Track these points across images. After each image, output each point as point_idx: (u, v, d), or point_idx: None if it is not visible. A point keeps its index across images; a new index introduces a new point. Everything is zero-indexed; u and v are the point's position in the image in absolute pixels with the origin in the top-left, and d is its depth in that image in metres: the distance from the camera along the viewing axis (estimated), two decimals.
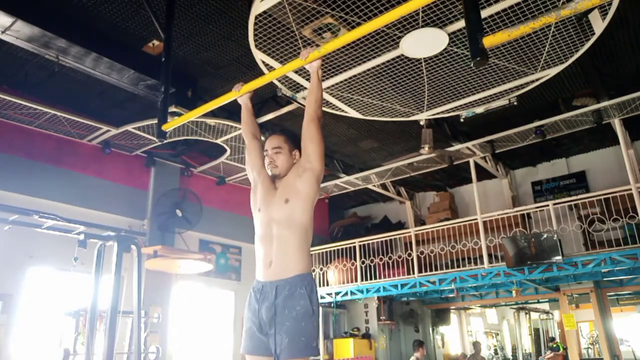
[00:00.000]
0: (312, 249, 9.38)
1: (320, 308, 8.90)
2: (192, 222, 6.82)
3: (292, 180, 2.37)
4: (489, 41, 2.21)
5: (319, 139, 2.37)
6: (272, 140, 2.48)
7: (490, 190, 9.24)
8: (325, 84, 4.83)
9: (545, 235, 6.75)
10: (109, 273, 4.70)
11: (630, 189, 6.29)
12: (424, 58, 4.44)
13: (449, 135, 7.12)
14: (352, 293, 8.74)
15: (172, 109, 5.31)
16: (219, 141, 6.53)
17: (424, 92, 4.98)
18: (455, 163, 7.89)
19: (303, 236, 2.28)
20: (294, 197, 2.31)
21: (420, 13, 3.79)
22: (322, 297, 9.09)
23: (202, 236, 7.78)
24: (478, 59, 2.24)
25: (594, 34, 4.14)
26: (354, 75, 4.74)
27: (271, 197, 2.37)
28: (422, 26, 3.95)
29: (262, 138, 2.72)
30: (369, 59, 4.48)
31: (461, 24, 3.89)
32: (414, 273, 8.12)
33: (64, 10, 4.46)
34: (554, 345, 10.27)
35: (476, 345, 9.95)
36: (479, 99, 5.18)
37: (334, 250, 9.20)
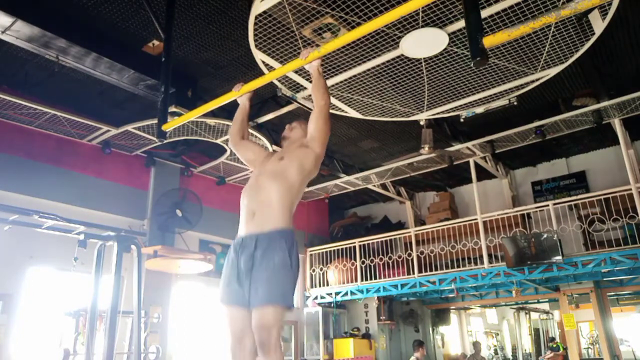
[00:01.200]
0: (312, 249, 9.47)
1: (319, 308, 8.91)
2: (192, 222, 6.81)
3: (293, 147, 2.55)
4: (489, 41, 2.21)
5: (324, 128, 2.51)
6: (291, 123, 2.77)
7: (490, 190, 9.24)
8: None
9: (545, 235, 6.75)
10: (109, 273, 4.70)
11: (630, 189, 6.29)
12: (424, 58, 4.44)
13: (449, 135, 7.12)
14: (352, 293, 8.74)
15: (172, 109, 5.31)
16: (219, 141, 6.53)
17: (424, 92, 4.98)
18: (455, 163, 7.88)
19: (287, 192, 2.35)
20: (291, 157, 2.45)
21: (420, 13, 3.79)
22: (322, 297, 9.10)
23: (202, 236, 7.78)
24: (478, 59, 2.24)
25: (594, 34, 4.14)
26: (354, 75, 4.74)
27: (269, 159, 2.54)
28: (422, 26, 3.95)
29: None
30: (369, 59, 4.48)
31: (461, 24, 3.89)
32: (414, 273, 8.12)
33: (64, 10, 4.46)
34: (554, 345, 10.27)
35: (476, 345, 9.95)
36: (479, 99, 5.18)
37: (334, 250, 9.21)
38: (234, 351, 2.20)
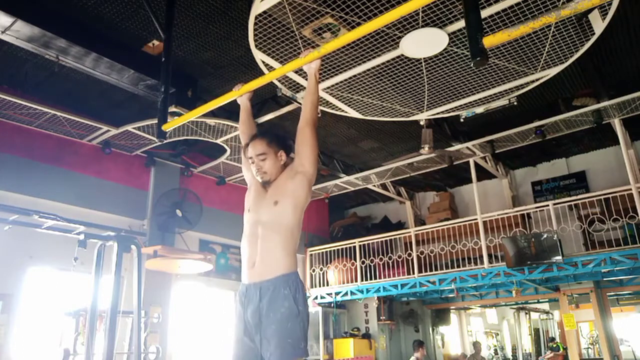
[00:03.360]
0: (312, 249, 9.46)
1: (319, 308, 8.91)
2: (192, 222, 6.81)
3: (283, 182, 2.36)
4: (489, 41, 2.21)
5: (313, 143, 2.35)
6: (255, 146, 2.41)
7: (490, 190, 9.24)
8: (325, 84, 4.84)
9: (545, 235, 6.75)
10: (109, 273, 4.70)
11: (630, 189, 6.29)
12: (424, 58, 4.44)
13: (449, 135, 7.11)
14: (352, 293, 8.74)
15: (172, 109, 5.31)
16: (219, 141, 6.53)
17: (424, 92, 4.98)
18: (455, 163, 7.88)
19: (289, 238, 2.26)
20: (284, 199, 2.30)
21: (420, 13, 3.79)
22: (322, 297, 9.10)
23: (202, 236, 7.78)
24: (478, 59, 2.24)
25: (594, 34, 4.14)
26: (354, 75, 4.74)
27: (261, 199, 2.38)
28: (422, 26, 3.95)
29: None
30: (369, 59, 4.48)
31: (461, 24, 3.89)
32: (414, 273, 8.12)
33: (64, 10, 4.46)
34: (554, 345, 10.28)
35: (476, 345, 9.95)
36: (479, 99, 5.18)
37: (334, 250, 9.21)
38: None
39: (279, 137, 2.46)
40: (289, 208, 2.28)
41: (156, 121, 5.11)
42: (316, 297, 9.16)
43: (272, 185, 2.40)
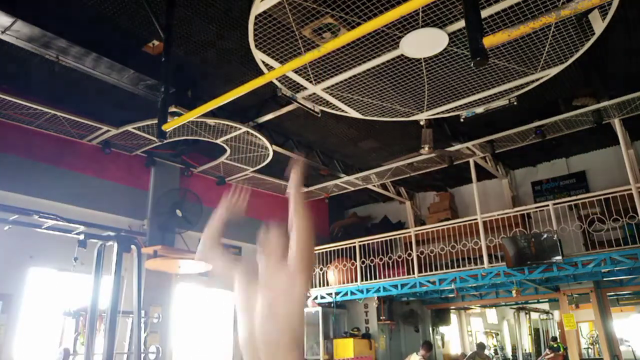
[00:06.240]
0: None
1: (319, 308, 8.91)
2: (192, 222, 6.81)
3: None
4: (489, 41, 2.21)
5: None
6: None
7: (490, 190, 9.24)
8: (326, 84, 4.84)
9: (545, 235, 6.75)
10: (109, 273, 4.70)
11: (630, 189, 6.29)
12: (424, 58, 4.44)
13: (449, 135, 7.11)
14: (352, 293, 8.74)
15: (172, 109, 5.31)
16: (219, 141, 6.52)
17: (424, 92, 4.98)
18: (455, 163, 7.88)
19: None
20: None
21: (420, 13, 3.79)
22: (322, 297, 9.10)
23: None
24: (478, 59, 2.24)
25: (594, 34, 4.14)
26: (354, 75, 4.74)
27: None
28: (422, 26, 3.95)
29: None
30: (369, 59, 4.48)
31: (461, 24, 3.89)
32: (414, 273, 8.12)
33: (64, 10, 4.46)
34: (555, 345, 10.27)
35: (478, 346, 9.88)
36: (479, 99, 5.19)
37: (334, 250, 9.20)
38: None
39: None
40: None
41: (156, 121, 5.12)
42: (316, 297, 9.17)
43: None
